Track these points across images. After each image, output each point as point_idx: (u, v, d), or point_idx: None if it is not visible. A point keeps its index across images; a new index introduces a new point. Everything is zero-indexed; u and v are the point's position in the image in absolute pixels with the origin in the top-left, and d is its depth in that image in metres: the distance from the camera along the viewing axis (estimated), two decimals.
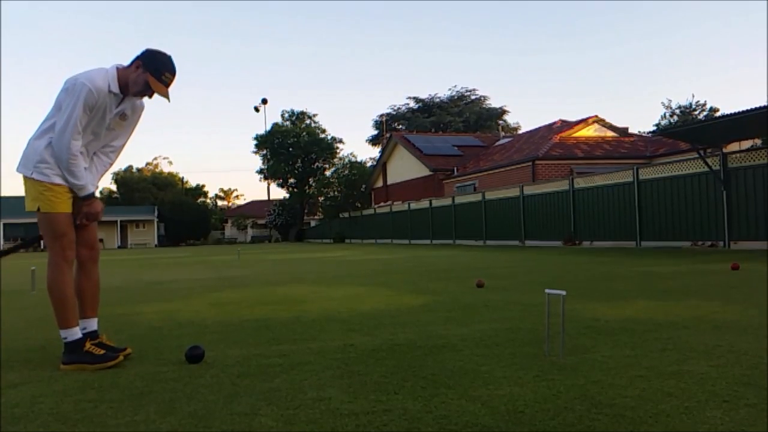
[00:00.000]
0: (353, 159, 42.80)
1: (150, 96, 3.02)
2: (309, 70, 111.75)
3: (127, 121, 3.12)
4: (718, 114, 34.90)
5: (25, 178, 2.98)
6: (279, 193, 61.55)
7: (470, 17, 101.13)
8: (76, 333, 2.95)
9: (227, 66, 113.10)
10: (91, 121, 2.93)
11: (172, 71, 2.97)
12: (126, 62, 3.01)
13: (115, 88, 2.93)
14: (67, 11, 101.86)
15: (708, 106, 39.12)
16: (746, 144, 16.98)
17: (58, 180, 2.94)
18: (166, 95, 2.96)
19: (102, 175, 3.25)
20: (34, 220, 3.03)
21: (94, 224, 3.18)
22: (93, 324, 3.15)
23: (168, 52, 3.00)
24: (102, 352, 2.93)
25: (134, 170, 69.34)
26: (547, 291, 2.83)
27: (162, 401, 2.26)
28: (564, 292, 2.71)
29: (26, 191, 3.00)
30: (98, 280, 3.22)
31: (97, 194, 3.18)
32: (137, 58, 2.96)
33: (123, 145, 3.25)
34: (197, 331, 3.95)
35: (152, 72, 2.91)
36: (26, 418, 2.12)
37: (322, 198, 43.23)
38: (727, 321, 3.64)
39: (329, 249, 23.45)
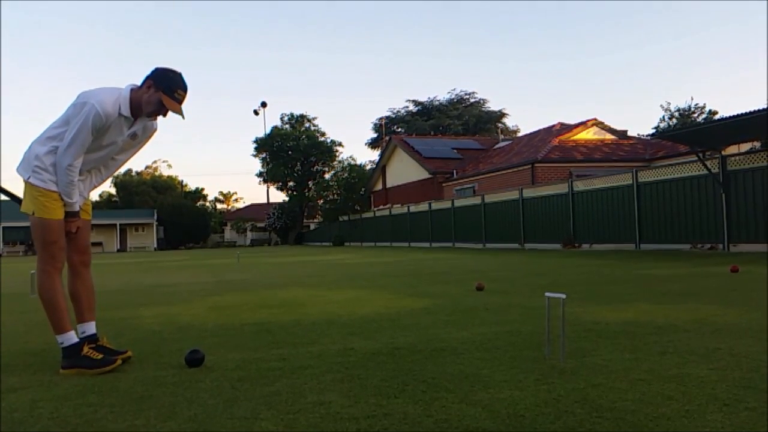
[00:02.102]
0: (352, 162, 42.83)
1: (164, 114, 3.02)
2: (308, 73, 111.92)
3: (136, 140, 3.14)
4: (717, 117, 34.97)
5: (24, 181, 3.00)
6: (278, 197, 61.59)
7: (469, 20, 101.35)
8: (71, 337, 2.96)
9: (227, 69, 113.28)
10: (98, 139, 2.95)
11: (184, 88, 2.98)
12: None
13: (126, 111, 2.94)
14: (67, 15, 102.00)
15: (707, 109, 39.17)
16: (745, 147, 16.99)
17: (54, 187, 2.96)
18: (180, 112, 2.97)
19: (96, 186, 3.27)
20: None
21: (86, 230, 3.19)
22: (91, 327, 3.15)
23: (178, 69, 3.01)
24: (100, 356, 2.93)
25: (133, 174, 69.29)
26: (547, 294, 2.83)
27: (162, 405, 2.26)
28: (564, 295, 2.72)
29: (24, 193, 3.03)
30: (92, 284, 3.23)
31: (95, 197, 3.19)
32: (148, 77, 2.96)
33: (125, 161, 3.27)
34: (197, 335, 3.95)
35: (165, 90, 2.92)
36: (26, 423, 2.12)
37: (322, 201, 43.24)
38: (727, 324, 3.64)
39: (329, 252, 23.45)
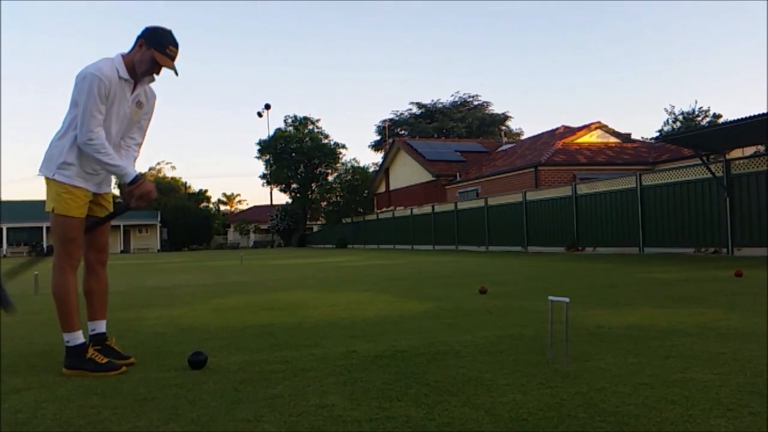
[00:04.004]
0: (356, 164, 42.84)
1: (158, 72, 3.04)
2: (312, 75, 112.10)
3: (143, 109, 3.15)
4: (721, 120, 34.93)
5: (47, 179, 2.99)
6: (281, 198, 61.68)
7: (473, 23, 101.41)
8: (78, 337, 2.95)
9: (230, 71, 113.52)
10: (110, 110, 2.94)
11: (176, 44, 3.00)
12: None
13: (125, 74, 2.96)
14: (64, 15, 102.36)
15: (711, 112, 39.15)
16: (749, 150, 16.95)
17: (80, 183, 2.96)
18: (173, 68, 2.99)
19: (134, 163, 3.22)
20: (36, 224, 3.05)
21: (105, 229, 3.19)
22: (102, 326, 3.16)
23: (167, 27, 3.03)
24: (105, 360, 2.93)
25: None
26: (550, 298, 2.83)
27: (165, 407, 2.27)
28: (567, 299, 2.71)
29: (47, 192, 3.01)
30: (107, 283, 3.24)
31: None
32: (139, 37, 2.98)
33: (143, 139, 3.26)
34: (200, 336, 3.95)
35: (156, 47, 2.94)
36: (29, 424, 2.12)
37: (325, 203, 43.24)
38: (731, 328, 3.63)
39: (332, 254, 23.46)
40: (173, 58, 2.99)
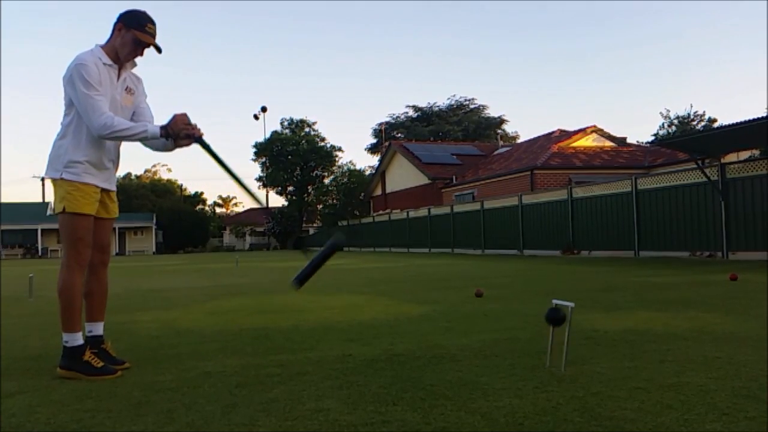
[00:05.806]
0: (352, 167, 42.84)
1: (141, 54, 3.06)
2: (309, 78, 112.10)
3: (134, 94, 3.15)
4: (716, 124, 35.08)
5: (54, 180, 2.98)
6: (277, 201, 61.61)
7: (470, 26, 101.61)
8: (78, 339, 2.93)
9: (227, 74, 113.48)
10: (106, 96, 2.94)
11: (153, 22, 3.03)
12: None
13: (108, 60, 2.98)
14: (60, 16, 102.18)
15: (706, 117, 39.26)
16: (744, 154, 17.03)
17: (89, 179, 2.96)
18: (155, 44, 3.02)
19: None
20: (31, 226, 3.04)
21: (108, 229, 3.19)
22: (99, 328, 3.14)
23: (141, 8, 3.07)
24: (101, 364, 2.91)
25: (133, 177, 69.31)
26: (554, 301, 2.81)
27: (160, 411, 2.26)
28: (572, 304, 2.70)
29: (54, 194, 3.00)
30: (107, 284, 3.23)
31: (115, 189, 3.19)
32: (116, 22, 3.01)
33: (151, 115, 3.25)
34: (196, 340, 3.93)
35: (136, 27, 2.97)
36: (23, 428, 2.11)
37: (321, 206, 43.24)
38: (726, 332, 3.64)
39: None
40: (154, 36, 3.02)
